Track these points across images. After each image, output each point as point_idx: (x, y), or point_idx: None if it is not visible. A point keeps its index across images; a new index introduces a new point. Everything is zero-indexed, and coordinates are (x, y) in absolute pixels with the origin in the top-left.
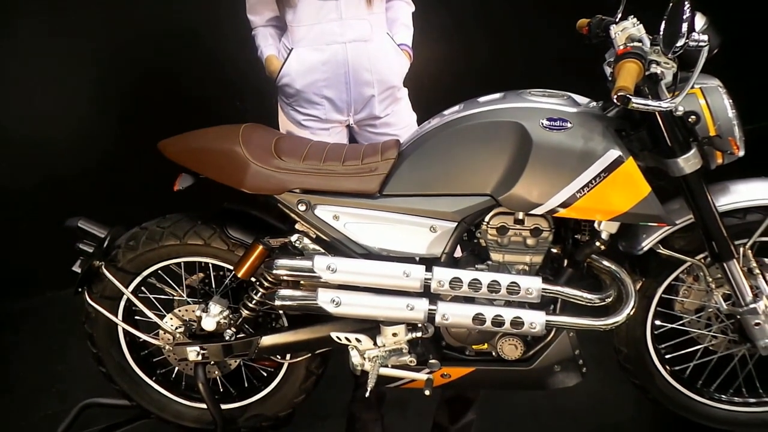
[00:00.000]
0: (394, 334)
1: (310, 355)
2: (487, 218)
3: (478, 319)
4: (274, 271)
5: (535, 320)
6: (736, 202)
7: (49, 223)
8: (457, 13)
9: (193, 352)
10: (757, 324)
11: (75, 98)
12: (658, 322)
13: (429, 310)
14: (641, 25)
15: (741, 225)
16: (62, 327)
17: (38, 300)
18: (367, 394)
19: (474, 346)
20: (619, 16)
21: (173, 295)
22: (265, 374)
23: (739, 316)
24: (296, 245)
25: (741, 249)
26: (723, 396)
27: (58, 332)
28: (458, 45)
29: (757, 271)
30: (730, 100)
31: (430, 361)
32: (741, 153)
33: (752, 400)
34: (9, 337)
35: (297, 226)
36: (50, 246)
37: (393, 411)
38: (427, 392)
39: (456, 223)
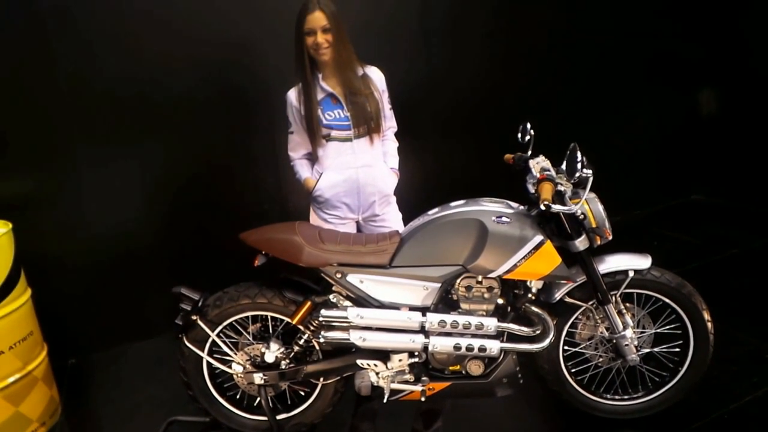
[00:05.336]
0: (400, 360)
1: (339, 377)
2: (458, 280)
3: (457, 347)
4: (321, 319)
5: (494, 346)
6: (609, 268)
7: (129, 294)
8: (424, 148)
9: (258, 378)
10: (626, 345)
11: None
12: (566, 347)
13: (424, 342)
14: (548, 160)
15: (613, 282)
16: (135, 370)
17: (116, 351)
18: (385, 400)
19: (450, 367)
20: (530, 152)
21: (239, 339)
22: (302, 393)
23: (614, 341)
24: (333, 301)
25: (614, 297)
26: (607, 395)
27: (133, 374)
28: (426, 168)
29: (624, 310)
30: (602, 205)
31: (422, 378)
32: (611, 237)
33: (625, 397)
34: (98, 377)
35: (333, 288)
36: (132, 310)
37: (383, 422)
38: (423, 399)
39: (440, 284)
